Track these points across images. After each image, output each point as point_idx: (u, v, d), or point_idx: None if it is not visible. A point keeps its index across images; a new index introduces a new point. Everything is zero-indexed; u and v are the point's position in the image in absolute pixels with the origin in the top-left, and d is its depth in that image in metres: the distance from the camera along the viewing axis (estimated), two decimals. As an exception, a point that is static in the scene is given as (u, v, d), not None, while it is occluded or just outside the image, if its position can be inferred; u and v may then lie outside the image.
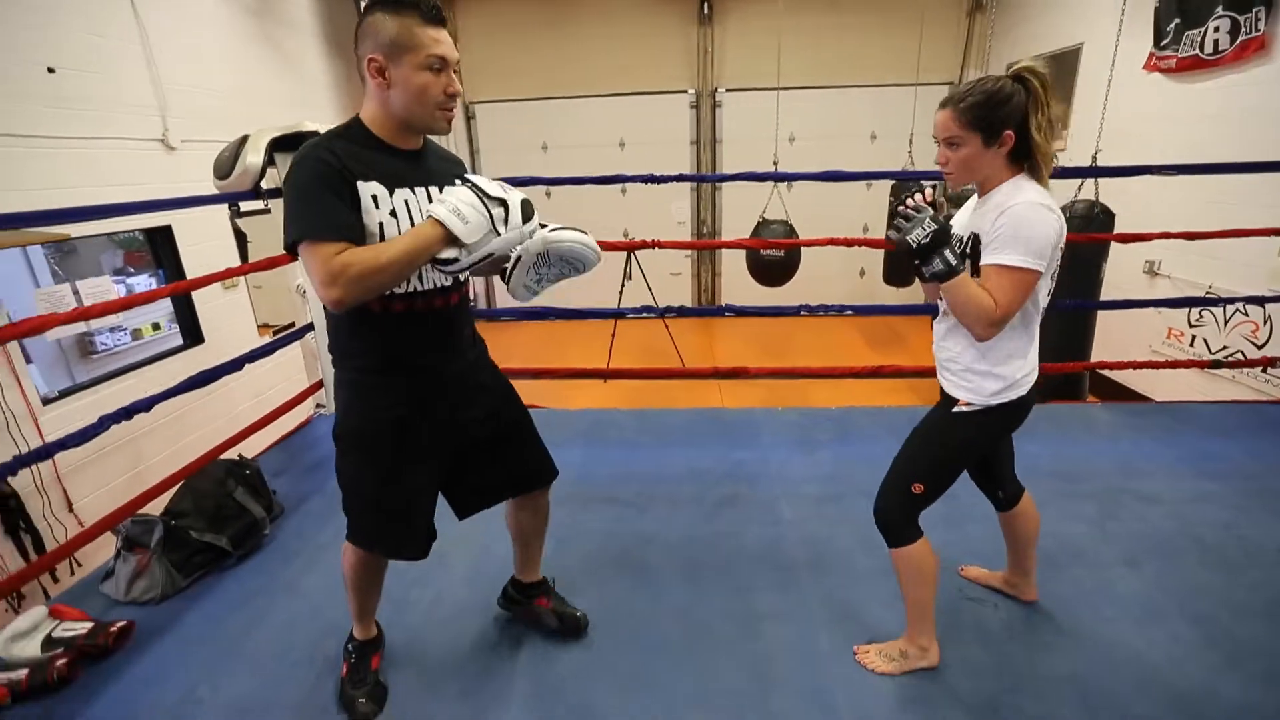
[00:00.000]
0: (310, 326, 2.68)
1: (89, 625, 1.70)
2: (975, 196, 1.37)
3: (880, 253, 5.79)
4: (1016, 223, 1.21)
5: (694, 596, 1.81)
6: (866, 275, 7.40)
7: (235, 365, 2.36)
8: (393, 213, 1.17)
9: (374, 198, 1.15)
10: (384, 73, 1.13)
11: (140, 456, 3.36)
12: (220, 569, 2.00)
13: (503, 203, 1.14)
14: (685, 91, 7.11)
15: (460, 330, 1.37)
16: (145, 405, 1.98)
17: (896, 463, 1.46)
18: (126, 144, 3.36)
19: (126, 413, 1.91)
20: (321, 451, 2.76)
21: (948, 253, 1.22)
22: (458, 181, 1.18)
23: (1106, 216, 3.25)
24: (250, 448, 2.59)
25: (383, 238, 1.16)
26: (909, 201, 1.28)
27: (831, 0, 6.71)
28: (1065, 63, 5.23)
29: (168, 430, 3.40)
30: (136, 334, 3.88)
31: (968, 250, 1.31)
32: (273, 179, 2.26)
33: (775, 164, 5.24)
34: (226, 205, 3.89)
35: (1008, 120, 1.23)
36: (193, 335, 3.79)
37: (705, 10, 6.79)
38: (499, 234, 1.14)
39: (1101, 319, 3.68)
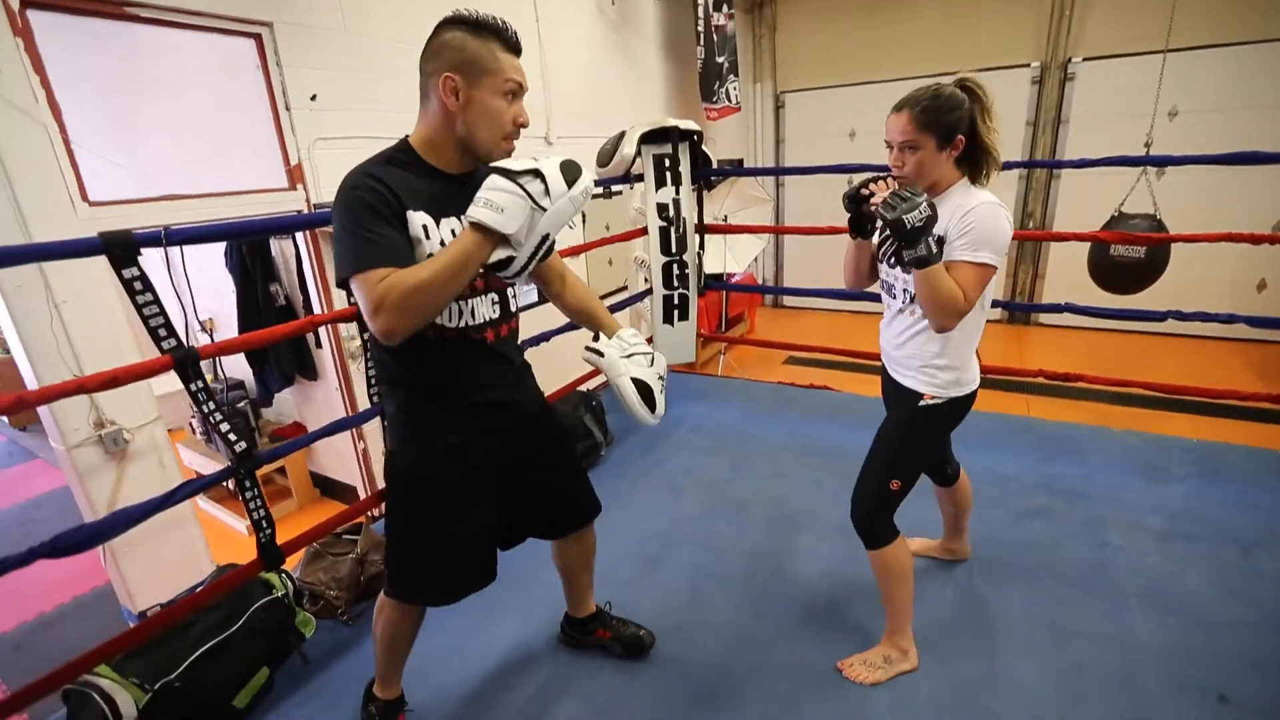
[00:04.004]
0: (649, 291, 3.17)
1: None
2: None
3: (1296, 259, 4.43)
4: (984, 223, 1.27)
5: (992, 593, 1.77)
6: (1270, 288, 5.72)
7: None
8: (442, 243, 1.09)
9: (424, 228, 1.08)
10: (458, 93, 1.06)
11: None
12: (570, 473, 2.58)
13: (536, 174, 1.00)
14: (1027, 65, 6.25)
15: (511, 361, 1.31)
16: (546, 337, 2.67)
17: (869, 465, 1.50)
18: (523, 143, 4.30)
19: (535, 340, 2.60)
20: (639, 398, 3.28)
21: (932, 240, 1.24)
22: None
23: None
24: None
25: None
26: (887, 182, 1.32)
27: (1264, -70, 5.22)
28: None
29: (525, 366, 4.35)
30: (507, 290, 5.01)
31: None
32: (639, 167, 2.75)
33: (1148, 145, 4.37)
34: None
35: (959, 125, 1.29)
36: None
37: (1068, -33, 5.86)
38: (544, 209, 1.01)
39: None
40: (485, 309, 1.20)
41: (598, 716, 1.47)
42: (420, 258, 1.06)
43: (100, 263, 2.34)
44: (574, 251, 3.13)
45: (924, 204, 1.22)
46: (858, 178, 1.45)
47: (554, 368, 4.39)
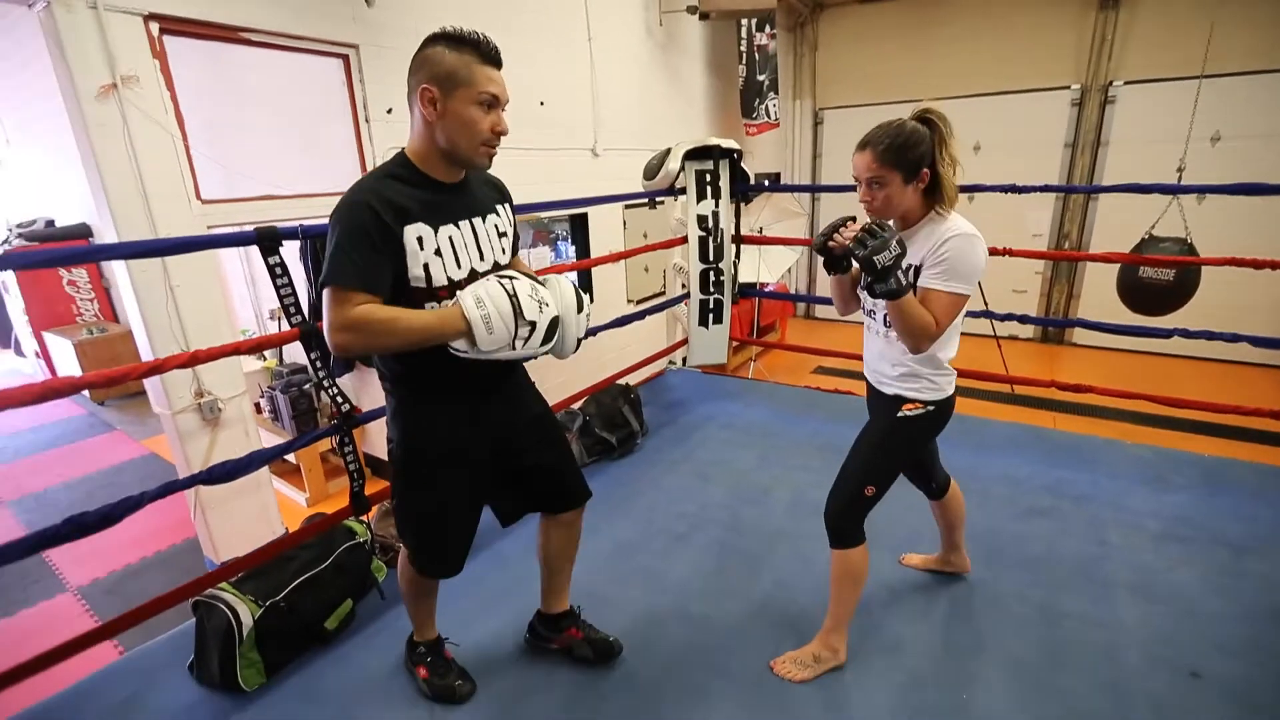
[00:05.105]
0: (686, 295, 3.40)
1: (539, 469, 2.61)
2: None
3: (1335, 287, 4.42)
4: (959, 253, 1.35)
5: (991, 576, 1.93)
6: (1309, 316, 5.66)
7: (639, 316, 3.18)
8: (437, 251, 1.18)
9: (419, 239, 1.16)
10: (435, 104, 1.13)
11: (542, 378, 4.60)
12: (607, 459, 2.81)
13: (531, 325, 1.17)
14: (1067, 87, 6.33)
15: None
16: (594, 331, 2.89)
17: (847, 468, 1.57)
18: (572, 153, 4.60)
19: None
20: (673, 396, 3.50)
21: (901, 274, 1.31)
22: (507, 280, 1.18)
23: None
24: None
25: (429, 279, 1.18)
26: (852, 224, 1.36)
27: (1313, -41, 5.23)
28: None
29: (558, 364, 4.58)
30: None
31: (911, 279, 1.41)
32: (682, 181, 2.99)
33: (1180, 170, 4.45)
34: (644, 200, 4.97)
35: (923, 159, 1.36)
36: (588, 292, 5.00)
37: (1112, -8, 5.93)
38: (512, 349, 1.18)
39: None
40: None
41: (633, 655, 1.68)
42: (414, 269, 1.16)
43: (208, 254, 2.68)
44: (615, 258, 3.39)
45: (894, 242, 1.27)
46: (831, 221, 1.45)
47: (593, 363, 4.65)
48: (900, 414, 1.51)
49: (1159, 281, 3.83)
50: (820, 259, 1.44)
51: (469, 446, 1.33)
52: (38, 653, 1.46)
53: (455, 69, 1.12)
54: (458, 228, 1.21)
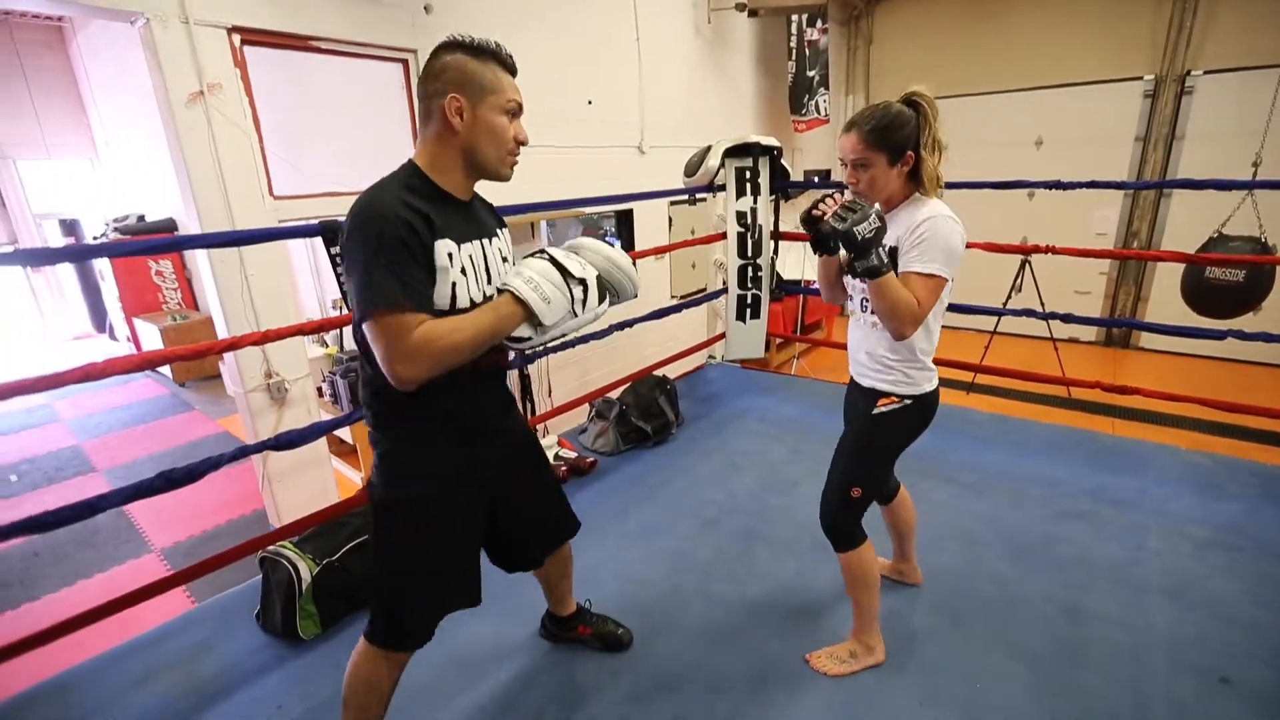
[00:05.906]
0: (724, 290, 3.46)
1: (574, 454, 2.72)
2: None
3: None
4: (935, 235, 1.33)
5: (1017, 574, 1.93)
6: None
7: (677, 309, 3.27)
8: (463, 270, 1.10)
9: (449, 255, 1.07)
10: (463, 113, 1.08)
11: (586, 369, 4.76)
12: (642, 447, 2.90)
13: (582, 282, 1.12)
14: (1139, 78, 6.02)
15: (504, 384, 1.34)
16: (630, 323, 3.00)
17: (831, 473, 1.56)
18: (618, 150, 4.70)
19: (620, 325, 2.94)
20: (711, 389, 3.57)
21: (882, 251, 1.28)
22: (539, 253, 1.15)
23: None
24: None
25: (454, 300, 1.08)
26: (835, 199, 1.31)
27: None
28: None
29: (602, 356, 4.71)
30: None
31: (888, 259, 1.37)
32: (722, 178, 3.04)
33: (1256, 164, 4.20)
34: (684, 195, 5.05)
35: (908, 141, 1.35)
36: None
37: (1190, -22, 5.61)
38: (575, 315, 1.13)
39: None
40: None
41: (654, 629, 1.76)
42: (443, 287, 1.07)
43: (280, 244, 2.90)
44: (659, 251, 3.47)
45: (873, 215, 1.26)
46: (818, 194, 1.44)
47: (634, 355, 4.75)
48: (876, 410, 1.49)
49: (1227, 282, 3.64)
50: (810, 238, 1.40)
51: (474, 477, 1.24)
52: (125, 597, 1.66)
53: (481, 76, 1.08)
54: (473, 246, 1.13)
